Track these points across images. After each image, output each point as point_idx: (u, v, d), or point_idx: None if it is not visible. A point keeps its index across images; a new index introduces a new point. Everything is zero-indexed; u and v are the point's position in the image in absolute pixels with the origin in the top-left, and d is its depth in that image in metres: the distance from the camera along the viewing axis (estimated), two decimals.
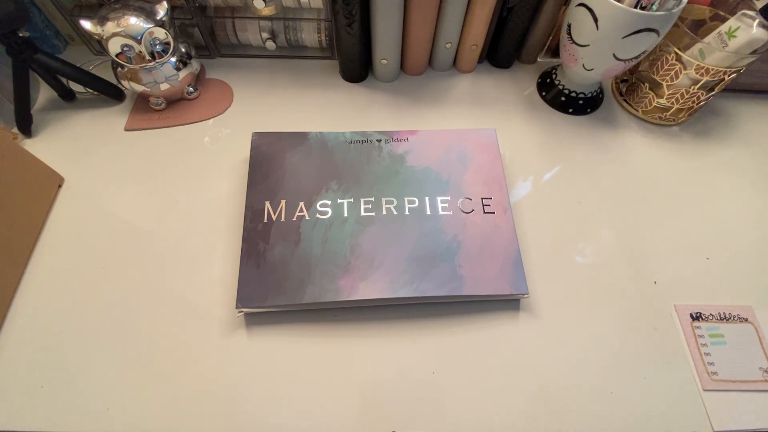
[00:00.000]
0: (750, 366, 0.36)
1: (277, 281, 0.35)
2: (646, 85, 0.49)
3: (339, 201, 0.39)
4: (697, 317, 0.39)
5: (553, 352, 0.36)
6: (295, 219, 0.38)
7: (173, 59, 0.45)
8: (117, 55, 0.41)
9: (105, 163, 0.45)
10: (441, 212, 0.39)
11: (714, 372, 0.36)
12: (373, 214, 0.39)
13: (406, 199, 0.40)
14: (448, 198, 0.40)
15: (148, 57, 0.42)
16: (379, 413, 0.33)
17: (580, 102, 0.51)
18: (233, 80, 0.52)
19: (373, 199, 0.40)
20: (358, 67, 0.51)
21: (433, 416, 0.33)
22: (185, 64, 0.46)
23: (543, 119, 0.51)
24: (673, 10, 0.39)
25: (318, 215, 0.38)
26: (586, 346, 0.37)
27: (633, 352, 0.37)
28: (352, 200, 0.39)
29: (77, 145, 0.45)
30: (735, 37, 0.42)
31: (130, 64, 0.42)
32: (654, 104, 0.49)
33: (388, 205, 0.39)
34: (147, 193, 0.43)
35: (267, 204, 0.39)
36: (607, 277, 0.40)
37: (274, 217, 0.38)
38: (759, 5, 0.42)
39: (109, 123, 0.47)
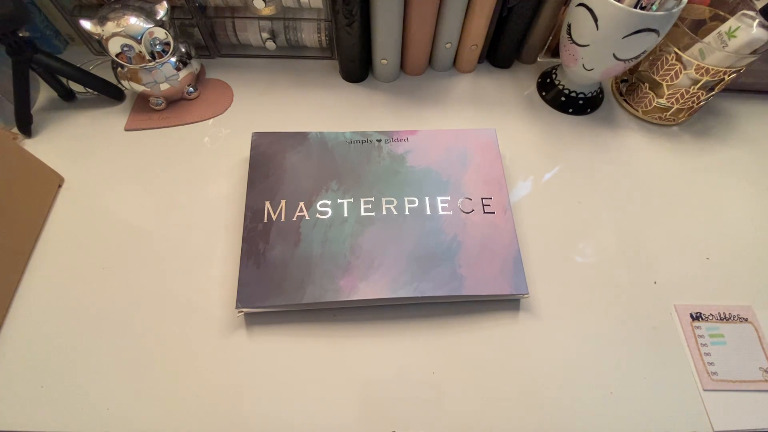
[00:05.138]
0: (750, 366, 0.36)
1: (277, 281, 0.35)
2: (646, 85, 0.49)
3: (339, 201, 0.39)
4: (697, 317, 0.39)
5: (553, 352, 0.36)
6: (295, 219, 0.38)
7: (173, 59, 0.45)
8: (117, 55, 0.41)
9: (105, 163, 0.45)
10: (441, 212, 0.39)
11: (714, 372, 0.36)
12: (373, 214, 0.39)
13: (406, 199, 0.40)
14: (448, 198, 0.40)
15: (148, 57, 0.42)
16: (379, 413, 0.33)
17: (580, 102, 0.51)
18: (233, 80, 0.52)
19: (373, 199, 0.40)
20: (358, 67, 0.51)
21: (433, 416, 0.33)
22: (185, 64, 0.46)
23: (543, 119, 0.51)
24: (673, 10, 0.39)
25: (318, 215, 0.38)
26: (586, 346, 0.37)
27: (633, 352, 0.37)
28: (352, 200, 0.39)
29: (77, 145, 0.45)
30: (735, 37, 0.42)
31: (130, 64, 0.42)
32: (654, 104, 0.49)
33: (388, 205, 0.39)
34: (147, 193, 0.43)
35: (267, 204, 0.39)
36: (607, 277, 0.40)
37: (274, 217, 0.38)
38: (759, 5, 0.42)
39: (109, 123, 0.47)
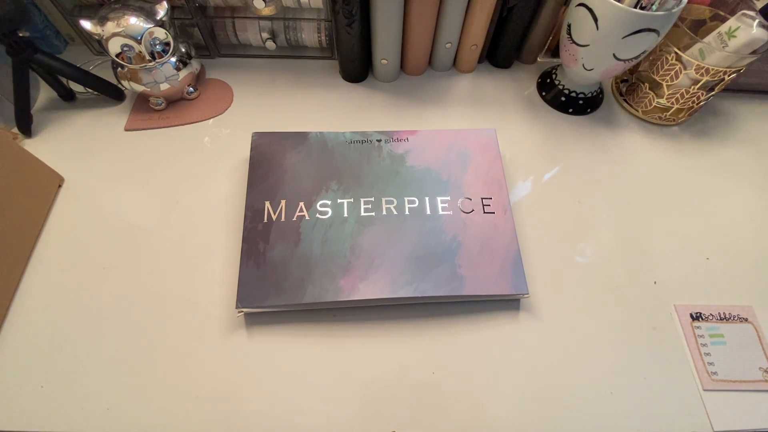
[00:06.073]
0: (750, 366, 0.36)
1: (277, 281, 0.35)
2: (646, 85, 0.49)
3: (339, 201, 0.39)
4: (697, 317, 0.39)
5: (553, 352, 0.36)
6: (295, 219, 0.38)
7: (173, 59, 0.45)
8: (117, 55, 0.41)
9: (105, 163, 0.45)
10: (441, 212, 0.39)
11: (714, 372, 0.36)
12: (373, 214, 0.39)
13: (406, 199, 0.40)
14: (448, 198, 0.40)
15: (148, 57, 0.42)
16: (379, 413, 0.33)
17: (580, 102, 0.51)
18: (233, 80, 0.52)
19: (373, 199, 0.40)
20: (358, 67, 0.51)
21: (433, 416, 0.33)
22: (185, 64, 0.46)
23: (543, 119, 0.51)
24: (673, 10, 0.39)
25: (318, 215, 0.38)
26: (586, 346, 0.37)
27: (633, 352, 0.37)
28: (352, 200, 0.39)
29: (77, 145, 0.45)
30: (735, 37, 0.42)
31: (130, 64, 0.42)
32: (654, 104, 0.49)
33: (388, 205, 0.39)
34: (147, 193, 0.43)
35: (267, 204, 0.39)
36: (607, 277, 0.40)
37: (274, 217, 0.38)
38: (759, 5, 0.42)
39: (109, 123, 0.47)
